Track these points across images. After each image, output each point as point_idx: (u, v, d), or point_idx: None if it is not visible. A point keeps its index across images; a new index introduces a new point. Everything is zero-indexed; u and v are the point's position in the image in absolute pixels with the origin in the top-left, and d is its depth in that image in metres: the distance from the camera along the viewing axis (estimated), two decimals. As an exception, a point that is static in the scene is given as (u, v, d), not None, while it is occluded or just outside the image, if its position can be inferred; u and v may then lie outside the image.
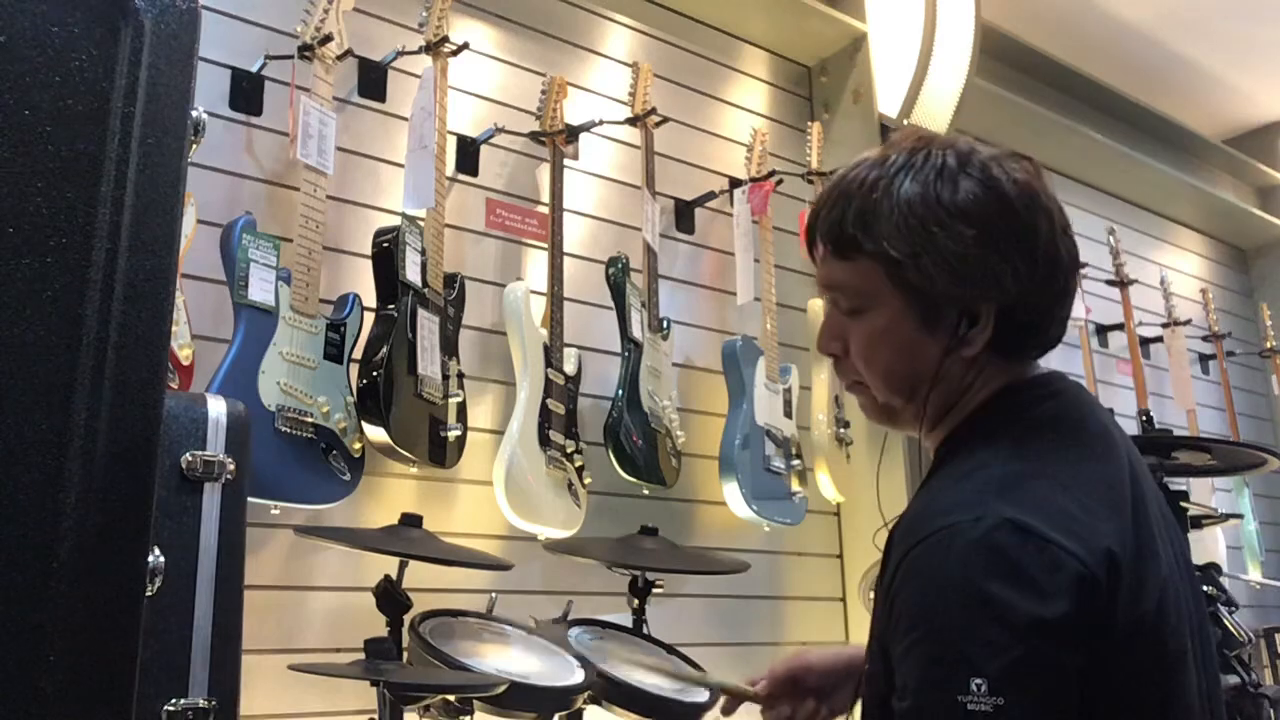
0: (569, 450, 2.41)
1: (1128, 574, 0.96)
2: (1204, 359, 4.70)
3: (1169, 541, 1.07)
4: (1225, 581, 3.17)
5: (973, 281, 1.06)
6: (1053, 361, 1.15)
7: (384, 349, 2.10)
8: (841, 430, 3.03)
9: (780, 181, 3.06)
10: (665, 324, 2.74)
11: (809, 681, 1.32)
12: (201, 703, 1.40)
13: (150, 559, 0.93)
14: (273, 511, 1.97)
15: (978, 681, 0.90)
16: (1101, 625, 0.94)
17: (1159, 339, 4.37)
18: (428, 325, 2.21)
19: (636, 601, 2.24)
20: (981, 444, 1.08)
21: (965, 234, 1.05)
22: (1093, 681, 0.94)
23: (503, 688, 1.74)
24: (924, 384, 1.10)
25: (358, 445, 2.10)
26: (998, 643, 0.91)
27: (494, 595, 2.12)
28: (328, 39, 2.18)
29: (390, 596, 1.83)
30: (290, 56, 2.21)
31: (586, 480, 2.46)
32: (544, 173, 2.65)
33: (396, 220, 2.24)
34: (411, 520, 1.94)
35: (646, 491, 2.59)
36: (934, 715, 0.92)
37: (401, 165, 2.34)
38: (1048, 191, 1.10)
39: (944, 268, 1.06)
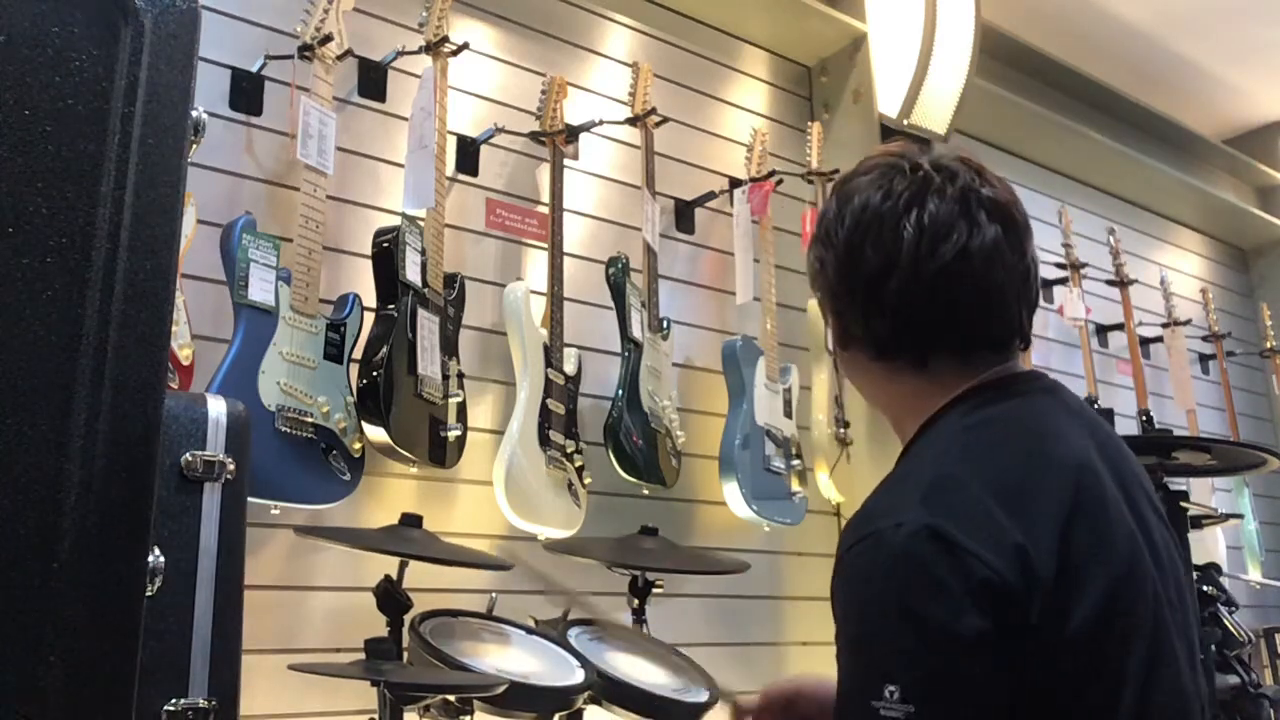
0: (569, 450, 2.41)
1: (1048, 579, 0.96)
2: (1204, 359, 4.70)
3: (1142, 548, 1.06)
4: (1225, 581, 3.17)
5: (845, 325, 1.17)
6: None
7: (384, 349, 2.10)
8: (841, 430, 3.03)
9: (780, 181, 3.06)
10: (665, 324, 2.74)
11: (801, 707, 1.34)
12: (201, 703, 1.40)
13: (150, 559, 0.93)
14: (273, 511, 1.97)
15: (891, 689, 0.93)
16: (1022, 630, 0.95)
17: (1159, 339, 4.37)
18: (428, 325, 2.21)
19: (636, 601, 2.24)
20: (921, 447, 1.13)
21: (821, 290, 1.19)
22: (1026, 693, 0.95)
23: (503, 688, 1.74)
24: (875, 400, 1.24)
25: (358, 445, 2.10)
26: (911, 652, 0.94)
27: (494, 595, 2.12)
28: (328, 39, 2.18)
29: (390, 596, 1.83)
30: (290, 56, 2.21)
31: (586, 480, 2.46)
32: (544, 173, 2.64)
33: (396, 220, 2.24)
34: (411, 520, 1.93)
35: (646, 491, 2.59)
36: (852, 718, 0.95)
37: (401, 165, 2.34)
38: (903, 210, 1.11)
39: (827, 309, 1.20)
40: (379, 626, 1.82)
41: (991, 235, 1.10)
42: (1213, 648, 2.78)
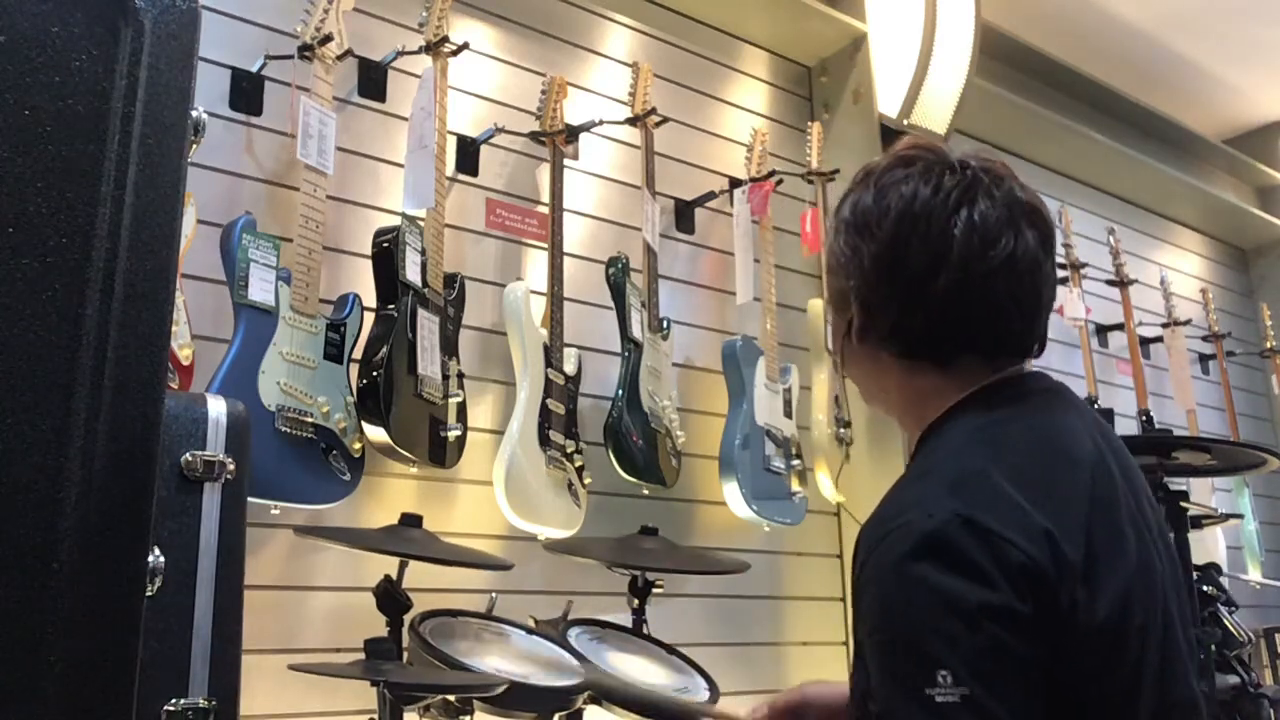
0: (569, 450, 2.41)
1: (1076, 565, 0.98)
2: (1204, 359, 4.71)
3: (1150, 545, 1.07)
4: (1225, 581, 3.17)
5: (872, 318, 1.15)
6: (1053, 361, 1.17)
7: (384, 349, 2.10)
8: (841, 430, 3.03)
9: (780, 181, 3.06)
10: (665, 324, 2.74)
11: (808, 717, 1.33)
12: (201, 703, 1.40)
13: (150, 559, 0.93)
14: (273, 511, 1.97)
15: (943, 674, 0.92)
16: (1054, 615, 0.96)
17: (1159, 339, 4.37)
18: (428, 325, 2.21)
19: (636, 601, 2.24)
20: (943, 442, 1.12)
21: (852, 279, 1.16)
22: (1055, 677, 0.96)
23: (503, 688, 1.74)
24: (878, 397, 1.24)
25: (358, 445, 2.10)
26: (956, 634, 0.94)
27: (494, 595, 2.12)
28: (328, 39, 2.18)
29: (390, 596, 1.83)
30: (290, 56, 2.21)
31: (586, 480, 2.46)
32: (544, 173, 2.65)
33: (396, 220, 2.24)
34: (411, 520, 1.94)
35: (646, 491, 2.59)
36: (906, 711, 0.95)
37: (401, 165, 2.34)
38: (953, 208, 1.10)
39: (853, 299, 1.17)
40: (379, 626, 1.82)
41: (1033, 242, 1.11)
42: (1213, 648, 2.78)
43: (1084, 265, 3.95)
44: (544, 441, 2.35)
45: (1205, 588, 3.03)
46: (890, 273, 1.12)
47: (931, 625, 0.95)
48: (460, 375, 2.29)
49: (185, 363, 1.90)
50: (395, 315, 2.15)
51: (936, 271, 1.09)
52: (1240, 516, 4.23)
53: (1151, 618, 1.02)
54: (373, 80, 2.44)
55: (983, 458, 1.05)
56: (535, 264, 2.62)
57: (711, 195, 3.04)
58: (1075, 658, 0.96)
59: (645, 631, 2.23)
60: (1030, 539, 0.97)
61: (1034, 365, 1.18)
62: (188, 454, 1.47)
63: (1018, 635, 0.94)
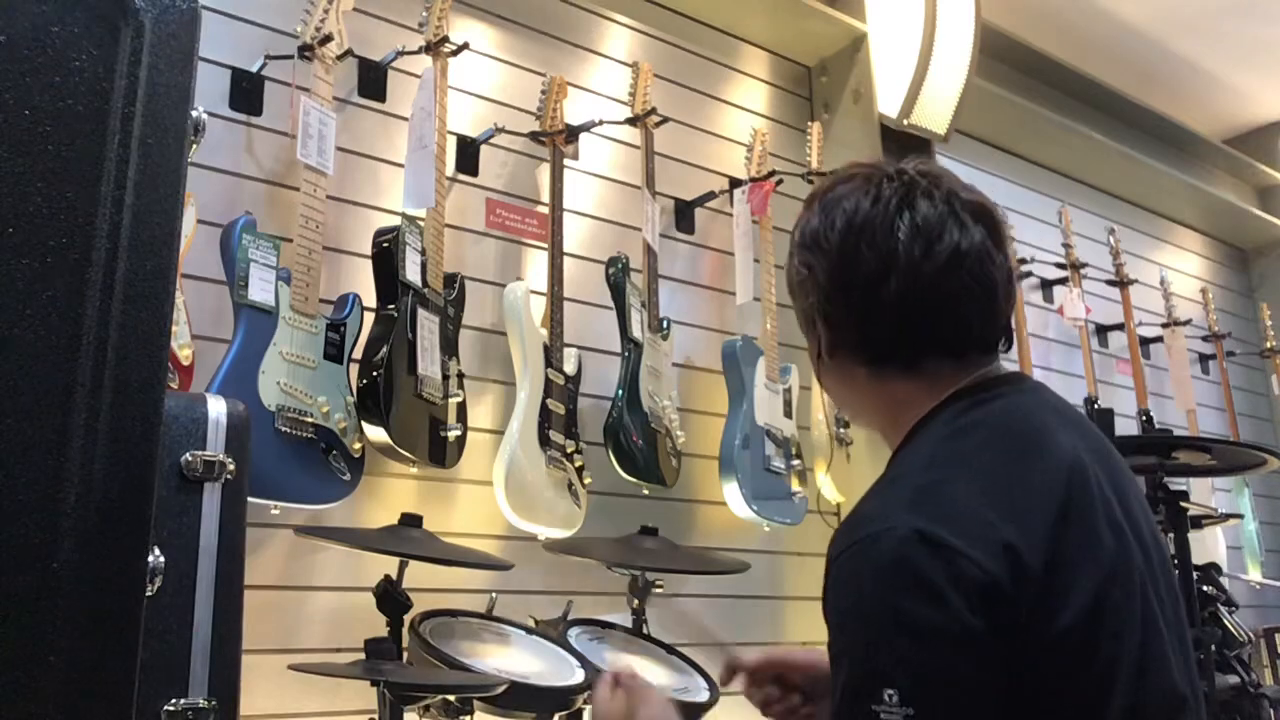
0: (569, 450, 2.41)
1: (1038, 576, 0.98)
2: (1204, 359, 4.71)
3: (1131, 547, 1.07)
4: (1225, 581, 3.17)
5: (837, 331, 1.17)
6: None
7: (384, 349, 2.10)
8: (841, 430, 3.03)
9: (780, 181, 3.06)
10: (665, 324, 2.74)
11: (793, 679, 1.35)
12: (201, 703, 1.40)
13: (150, 559, 0.93)
14: (273, 511, 1.97)
15: (890, 692, 0.94)
16: (1012, 630, 0.96)
17: (1159, 339, 4.37)
18: (428, 325, 2.21)
19: (636, 601, 2.24)
20: (912, 450, 1.14)
21: (811, 295, 1.18)
22: (1018, 688, 0.96)
23: (503, 688, 1.74)
24: (859, 413, 1.25)
25: (358, 445, 2.10)
26: (907, 655, 0.95)
27: (494, 595, 2.12)
28: (328, 39, 2.18)
29: (390, 596, 1.83)
30: (290, 56, 2.21)
31: (586, 480, 2.46)
32: (544, 173, 2.65)
33: (396, 220, 2.24)
34: (411, 520, 1.94)
35: (646, 491, 2.59)
36: None
37: (401, 165, 2.34)
38: (894, 212, 1.12)
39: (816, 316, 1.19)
40: (379, 626, 1.82)
41: (979, 236, 1.13)
42: (1213, 648, 2.78)
43: (1084, 265, 3.95)
44: (544, 441, 2.35)
45: (1205, 588, 3.03)
46: (845, 283, 1.14)
47: (883, 643, 0.96)
48: (460, 375, 2.29)
49: (185, 363, 1.90)
50: (395, 315, 2.15)
51: (887, 275, 1.11)
52: (1240, 516, 4.24)
53: (1128, 621, 1.02)
54: (373, 80, 2.44)
55: (947, 467, 1.06)
56: (535, 264, 2.62)
57: (711, 195, 3.04)
58: (1039, 667, 0.96)
59: (645, 631, 2.23)
60: (990, 554, 0.97)
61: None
62: (188, 454, 1.47)
63: (970, 656, 0.94)
